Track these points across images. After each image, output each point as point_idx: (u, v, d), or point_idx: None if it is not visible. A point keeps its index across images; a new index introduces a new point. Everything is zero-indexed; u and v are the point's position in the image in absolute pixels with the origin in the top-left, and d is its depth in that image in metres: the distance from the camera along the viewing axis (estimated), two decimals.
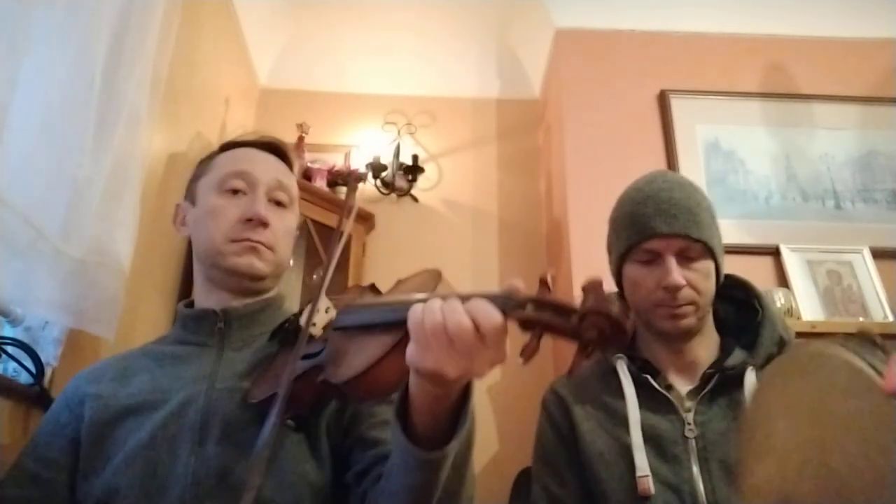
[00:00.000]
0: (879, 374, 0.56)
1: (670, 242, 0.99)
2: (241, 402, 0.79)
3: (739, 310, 1.09)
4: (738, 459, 0.76)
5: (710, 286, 1.01)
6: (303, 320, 0.76)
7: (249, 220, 0.88)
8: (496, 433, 2.17)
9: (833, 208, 2.11)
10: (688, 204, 1.00)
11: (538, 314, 0.52)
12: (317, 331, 0.74)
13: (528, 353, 0.52)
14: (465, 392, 0.61)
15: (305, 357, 0.71)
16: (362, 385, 0.62)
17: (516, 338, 0.55)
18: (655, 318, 1.01)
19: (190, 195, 0.97)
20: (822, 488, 0.60)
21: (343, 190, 2.41)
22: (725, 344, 1.05)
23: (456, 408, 0.61)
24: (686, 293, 0.98)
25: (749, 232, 2.02)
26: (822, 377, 0.64)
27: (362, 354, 0.63)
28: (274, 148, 0.98)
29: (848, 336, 0.65)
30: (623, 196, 1.10)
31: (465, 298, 0.54)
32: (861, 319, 1.85)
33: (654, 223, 0.99)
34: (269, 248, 0.90)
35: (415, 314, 0.55)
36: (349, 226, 0.79)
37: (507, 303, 0.53)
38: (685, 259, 0.99)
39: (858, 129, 2.22)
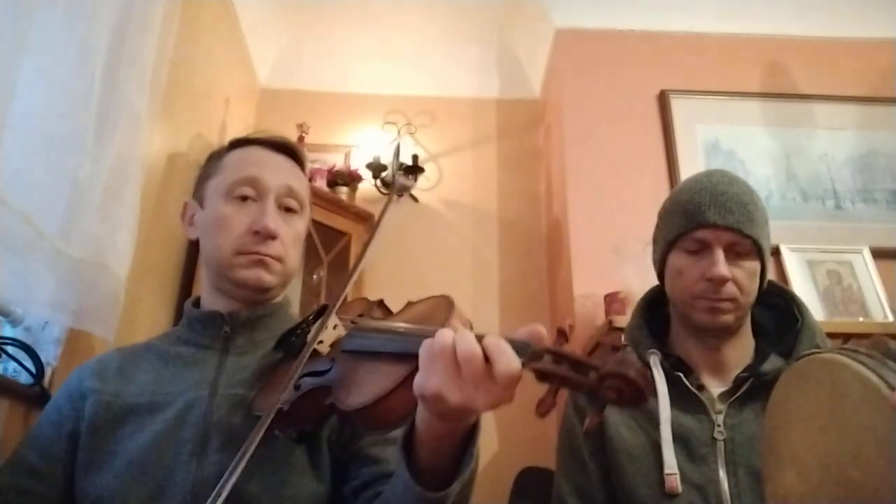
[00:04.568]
0: (890, 386, 0.56)
1: (721, 234, 0.97)
2: (245, 412, 0.78)
3: (777, 316, 1.08)
4: (762, 465, 0.76)
5: (753, 286, 1.00)
6: (310, 337, 0.74)
7: (257, 232, 0.86)
8: (496, 433, 2.17)
9: (833, 208, 2.11)
10: (744, 200, 0.99)
11: (556, 367, 0.51)
12: (323, 348, 0.73)
13: (544, 408, 0.51)
14: (473, 431, 0.61)
15: (313, 374, 0.70)
16: (372, 415, 0.61)
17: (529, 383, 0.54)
18: (694, 311, 1.00)
19: (198, 195, 0.94)
20: (843, 499, 0.60)
21: (343, 190, 2.41)
22: (760, 348, 1.04)
23: (462, 445, 0.61)
24: (729, 288, 0.96)
25: None
26: (835, 387, 0.63)
27: (373, 383, 0.62)
28: (285, 148, 0.95)
29: (859, 346, 0.64)
30: (678, 187, 1.09)
31: (482, 337, 0.54)
32: (861, 319, 1.85)
33: (708, 213, 0.97)
34: (278, 259, 0.88)
35: (426, 341, 0.55)
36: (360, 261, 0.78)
37: (525, 351, 0.53)
38: (733, 254, 0.98)
39: (858, 129, 2.22)
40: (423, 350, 0.55)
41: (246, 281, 0.87)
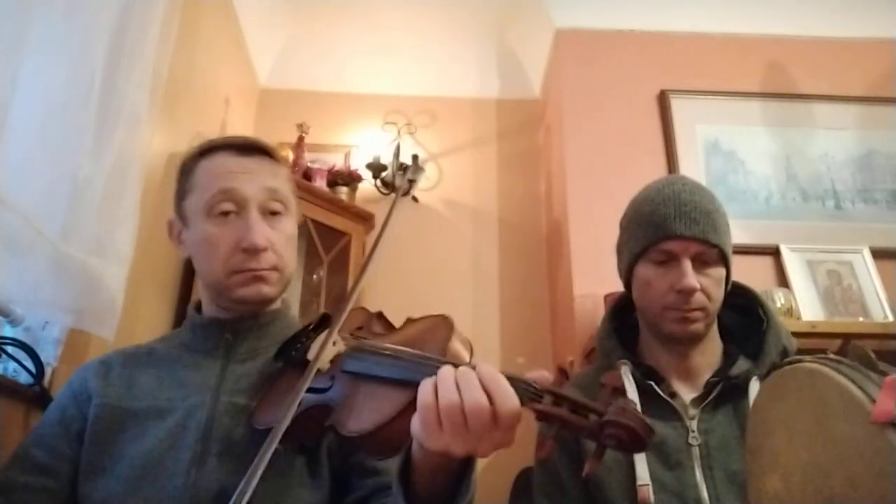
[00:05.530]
0: (872, 399, 0.56)
1: (688, 245, 0.98)
2: (246, 423, 0.78)
3: (742, 317, 1.08)
4: (746, 471, 0.76)
5: (720, 293, 1.01)
6: (311, 354, 0.75)
7: (246, 249, 0.83)
8: None
9: (833, 208, 2.11)
10: (707, 209, 1.00)
11: (556, 409, 0.51)
12: (323, 364, 0.73)
13: (543, 452, 0.52)
14: (469, 460, 0.61)
15: (313, 391, 0.70)
16: (372, 441, 0.62)
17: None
18: (664, 321, 1.00)
19: (180, 214, 0.91)
20: None
21: (344, 190, 2.41)
22: (728, 352, 1.05)
23: (459, 473, 0.61)
24: (698, 298, 0.97)
25: (749, 232, 2.02)
26: (817, 399, 0.63)
27: (373, 410, 0.62)
28: (255, 149, 0.90)
29: (842, 355, 0.64)
30: (639, 197, 1.08)
31: (477, 368, 0.54)
32: (861, 319, 1.85)
33: (674, 224, 0.98)
34: (274, 269, 0.86)
35: (426, 391, 0.54)
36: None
37: (526, 391, 0.52)
38: (700, 264, 0.98)
39: (858, 129, 2.22)
40: (425, 405, 0.54)
41: (246, 298, 0.86)
